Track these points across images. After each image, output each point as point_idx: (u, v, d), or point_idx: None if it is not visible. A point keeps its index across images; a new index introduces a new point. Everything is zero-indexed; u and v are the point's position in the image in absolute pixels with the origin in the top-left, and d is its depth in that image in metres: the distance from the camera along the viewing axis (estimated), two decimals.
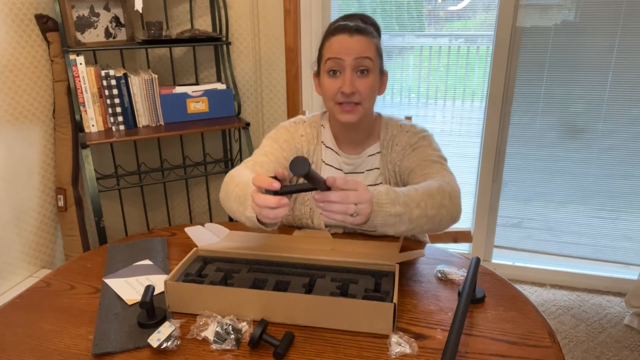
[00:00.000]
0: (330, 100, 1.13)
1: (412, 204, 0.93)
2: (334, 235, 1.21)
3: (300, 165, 0.76)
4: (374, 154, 1.22)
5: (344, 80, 1.08)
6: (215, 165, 2.51)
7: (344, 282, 0.93)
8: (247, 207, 0.95)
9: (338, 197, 0.83)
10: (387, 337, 0.85)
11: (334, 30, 1.12)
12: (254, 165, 1.15)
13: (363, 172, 1.23)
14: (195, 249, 1.05)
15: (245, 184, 1.00)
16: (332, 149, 1.23)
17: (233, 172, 1.11)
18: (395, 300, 0.84)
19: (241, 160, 2.43)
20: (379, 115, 1.25)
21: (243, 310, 0.90)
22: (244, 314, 0.90)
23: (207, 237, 1.24)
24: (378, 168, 1.21)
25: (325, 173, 1.23)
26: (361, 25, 1.10)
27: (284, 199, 0.85)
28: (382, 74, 1.17)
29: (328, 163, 1.23)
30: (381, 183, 1.20)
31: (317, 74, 1.18)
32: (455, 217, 1.02)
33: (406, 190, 0.96)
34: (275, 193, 0.85)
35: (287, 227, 1.28)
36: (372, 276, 0.95)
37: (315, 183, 0.82)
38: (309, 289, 0.93)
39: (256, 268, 1.00)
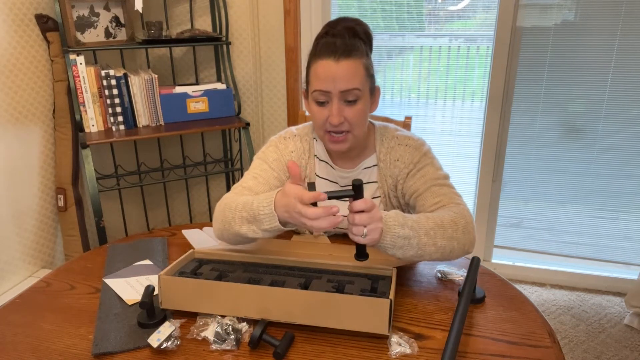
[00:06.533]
0: (320, 129, 1.09)
1: (421, 230, 0.93)
2: (333, 241, 1.21)
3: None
4: (371, 167, 1.18)
5: (331, 111, 1.04)
6: (215, 165, 2.51)
7: (340, 282, 0.93)
8: (262, 222, 0.93)
9: (353, 219, 0.87)
10: (387, 337, 0.85)
11: (319, 50, 1.05)
12: (243, 191, 1.10)
13: None
14: (191, 250, 1.05)
15: (245, 204, 0.98)
16: (326, 162, 1.20)
17: (225, 201, 1.06)
18: (391, 297, 0.84)
19: (241, 160, 2.43)
20: (372, 125, 1.21)
21: (239, 307, 0.88)
22: (239, 312, 0.89)
23: (204, 240, 1.24)
24: (376, 181, 1.18)
25: (319, 187, 1.20)
26: (348, 44, 1.03)
27: (335, 207, 0.85)
28: (373, 93, 1.11)
29: (322, 176, 1.20)
30: (379, 197, 1.18)
31: (306, 95, 1.13)
32: (467, 248, 1.00)
33: (416, 216, 0.95)
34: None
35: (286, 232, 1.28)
36: (368, 279, 0.95)
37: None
38: (304, 288, 0.92)
39: (252, 269, 0.99)
